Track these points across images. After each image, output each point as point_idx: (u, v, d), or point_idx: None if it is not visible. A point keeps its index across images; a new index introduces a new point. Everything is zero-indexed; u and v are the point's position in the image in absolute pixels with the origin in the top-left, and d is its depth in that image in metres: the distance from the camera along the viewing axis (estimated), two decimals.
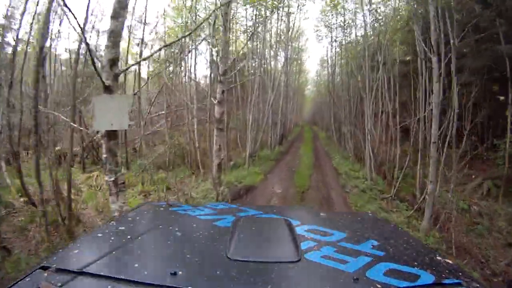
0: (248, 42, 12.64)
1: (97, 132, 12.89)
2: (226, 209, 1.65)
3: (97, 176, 8.10)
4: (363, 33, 11.80)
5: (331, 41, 17.84)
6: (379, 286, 0.85)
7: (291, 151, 15.97)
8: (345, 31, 15.13)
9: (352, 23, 14.22)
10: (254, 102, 11.61)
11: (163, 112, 13.58)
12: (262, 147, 14.75)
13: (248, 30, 11.91)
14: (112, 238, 1.14)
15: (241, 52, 14.04)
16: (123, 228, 1.25)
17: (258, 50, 13.31)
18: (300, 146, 18.57)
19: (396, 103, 9.88)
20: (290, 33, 15.12)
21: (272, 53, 16.03)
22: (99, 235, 1.20)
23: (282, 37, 16.08)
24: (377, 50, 9.94)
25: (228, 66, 7.24)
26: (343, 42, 16.20)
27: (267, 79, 14.05)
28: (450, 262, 1.07)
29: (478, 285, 0.91)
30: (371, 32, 10.42)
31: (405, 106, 10.54)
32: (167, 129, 12.68)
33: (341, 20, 15.35)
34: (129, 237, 1.13)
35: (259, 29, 12.95)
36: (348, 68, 15.06)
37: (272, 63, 15.93)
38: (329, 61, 19.67)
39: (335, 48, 17.86)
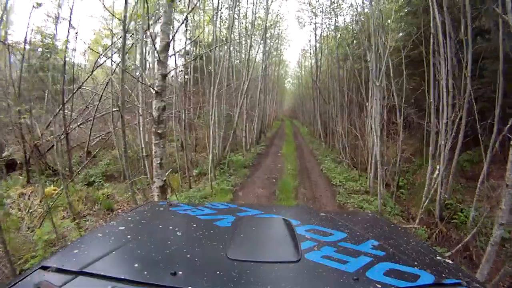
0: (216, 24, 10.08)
1: (41, 135, 9.61)
2: (226, 209, 1.64)
3: (31, 192, 6.37)
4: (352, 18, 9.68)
5: (315, 27, 15.79)
6: (379, 286, 0.84)
7: (271, 152, 13.59)
8: (335, 11, 12.98)
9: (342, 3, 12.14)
10: (218, 94, 9.15)
11: (115, 109, 10.81)
12: (236, 148, 12.41)
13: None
14: (112, 238, 1.12)
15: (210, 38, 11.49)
16: (123, 228, 1.23)
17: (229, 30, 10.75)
18: (281, 145, 16.23)
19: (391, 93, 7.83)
20: (268, 13, 12.72)
21: (249, 41, 13.68)
22: (99, 235, 1.17)
23: (260, 21, 13.92)
24: (378, 31, 7.74)
25: (171, 39, 4.69)
26: (332, 27, 14.15)
27: (242, 67, 11.63)
28: (450, 262, 1.07)
29: (478, 285, 0.91)
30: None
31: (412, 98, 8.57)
32: (114, 130, 9.89)
33: (327, 4, 13.29)
34: (129, 237, 1.12)
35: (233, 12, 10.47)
36: (340, 53, 12.91)
37: (249, 50, 13.64)
38: (312, 50, 17.59)
39: (320, 34, 15.81)
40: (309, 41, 22.78)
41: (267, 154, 13.03)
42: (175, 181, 7.78)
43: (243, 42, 15.23)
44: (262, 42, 14.79)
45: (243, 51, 14.34)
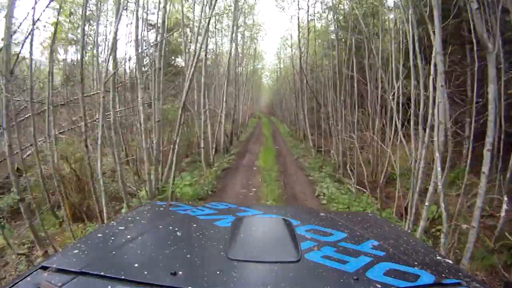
0: None
1: None
2: (226, 209, 1.63)
3: None
4: None
5: (299, 7, 12.52)
6: (379, 286, 0.84)
7: (243, 165, 9.76)
8: None
9: None
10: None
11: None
12: (199, 160, 8.74)
13: None
14: (112, 238, 1.12)
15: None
16: (123, 228, 1.23)
17: None
18: (258, 152, 12.54)
19: None
20: None
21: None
22: (99, 235, 1.16)
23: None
24: None
25: None
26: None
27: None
28: (450, 262, 1.08)
29: (478, 285, 0.91)
30: None
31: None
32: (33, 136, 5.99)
33: None
34: (129, 237, 1.12)
35: None
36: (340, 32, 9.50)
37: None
38: (295, 35, 14.28)
39: (307, 11, 12.46)
40: (291, 22, 19.00)
41: (238, 168, 9.33)
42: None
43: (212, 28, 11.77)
44: (230, 13, 11.22)
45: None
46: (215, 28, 16.64)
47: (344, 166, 8.31)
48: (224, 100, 10.93)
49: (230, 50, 11.91)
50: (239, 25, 14.95)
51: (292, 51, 18.21)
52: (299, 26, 13.41)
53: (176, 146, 6.04)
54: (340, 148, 8.23)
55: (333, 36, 11.33)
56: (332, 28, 12.79)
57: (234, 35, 12.87)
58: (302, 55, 13.19)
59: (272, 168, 9.35)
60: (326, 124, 10.74)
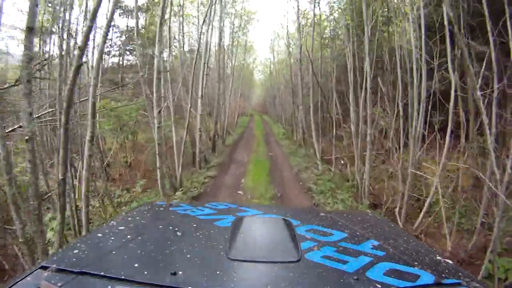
0: None
1: None
2: (226, 209, 1.62)
3: None
4: None
5: None
6: (379, 286, 0.83)
7: (224, 187, 6.97)
8: None
9: None
10: None
11: None
12: (152, 184, 6.15)
13: None
14: (112, 238, 1.11)
15: None
16: (123, 228, 1.22)
17: None
18: (247, 163, 9.67)
19: None
20: None
21: None
22: (99, 235, 1.15)
23: None
24: None
25: None
26: None
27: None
28: (450, 262, 1.05)
29: (478, 285, 0.89)
30: None
31: None
32: None
33: None
34: (129, 237, 1.11)
35: None
36: None
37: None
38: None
39: None
40: (288, 2, 15.86)
41: (216, 193, 6.50)
42: None
43: None
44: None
45: None
46: (198, 12, 13.87)
47: (366, 186, 5.61)
48: (200, 95, 8.06)
49: (209, 20, 8.86)
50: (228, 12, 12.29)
51: (288, 40, 15.63)
52: (298, 6, 10.69)
53: (84, 182, 3.26)
54: (367, 165, 5.52)
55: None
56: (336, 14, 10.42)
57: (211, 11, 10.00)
58: (302, 38, 10.42)
59: (265, 192, 6.57)
60: (336, 125, 8.00)
